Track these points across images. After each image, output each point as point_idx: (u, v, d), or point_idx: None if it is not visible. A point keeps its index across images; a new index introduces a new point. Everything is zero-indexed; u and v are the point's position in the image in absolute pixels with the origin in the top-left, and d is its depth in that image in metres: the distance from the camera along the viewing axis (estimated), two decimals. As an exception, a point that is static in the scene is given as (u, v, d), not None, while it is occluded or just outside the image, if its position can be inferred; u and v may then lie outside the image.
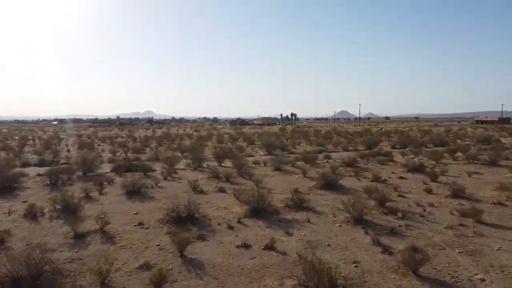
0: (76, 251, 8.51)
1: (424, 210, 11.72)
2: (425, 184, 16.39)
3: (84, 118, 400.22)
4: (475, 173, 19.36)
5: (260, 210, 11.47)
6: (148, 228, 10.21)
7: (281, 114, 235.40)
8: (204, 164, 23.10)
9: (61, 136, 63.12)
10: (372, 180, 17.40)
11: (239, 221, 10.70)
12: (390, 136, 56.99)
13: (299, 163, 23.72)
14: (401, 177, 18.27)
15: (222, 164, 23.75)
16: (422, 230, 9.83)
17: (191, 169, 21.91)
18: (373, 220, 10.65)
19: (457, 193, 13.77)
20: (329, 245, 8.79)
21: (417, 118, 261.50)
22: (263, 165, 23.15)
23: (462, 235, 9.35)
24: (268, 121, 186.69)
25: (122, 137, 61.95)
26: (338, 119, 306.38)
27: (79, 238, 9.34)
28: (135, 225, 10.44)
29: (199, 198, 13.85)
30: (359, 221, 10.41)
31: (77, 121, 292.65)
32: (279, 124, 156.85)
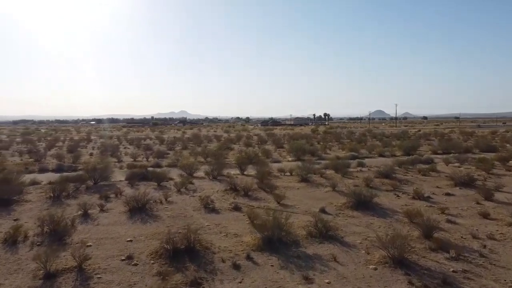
0: (38, 300, 6.81)
1: (484, 246, 9.27)
2: (478, 204, 13.79)
3: (121, 118, 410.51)
4: (538, 189, 16.45)
5: (275, 241, 9.44)
6: (136, 264, 8.38)
7: (314, 114, 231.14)
8: (226, 172, 21.29)
9: (92, 137, 63.45)
10: (413, 197, 14.94)
11: (248, 257, 8.68)
12: (429, 139, 53.30)
13: (328, 172, 21.46)
14: (447, 193, 15.65)
15: (245, 172, 21.87)
16: (485, 280, 7.46)
17: (210, 178, 20.12)
18: (418, 261, 8.34)
19: (523, 219, 11.16)
20: (360, 302, 6.63)
21: (457, 118, 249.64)
22: (288, 174, 21.04)
23: (544, 292, 6.93)
24: (300, 122, 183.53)
25: (150, 138, 61.44)
26: (373, 119, 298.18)
27: (49, 278, 7.64)
28: (123, 259, 8.64)
29: (208, 219, 12.03)
30: (400, 262, 8.14)
31: (113, 121, 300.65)
32: (311, 125, 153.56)
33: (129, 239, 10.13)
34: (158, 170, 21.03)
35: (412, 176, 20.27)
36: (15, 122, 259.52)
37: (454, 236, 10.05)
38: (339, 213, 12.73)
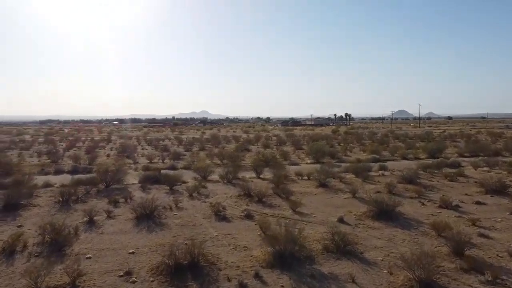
0: (22, 324, 6.20)
1: (524, 267, 8.21)
2: (513, 214, 12.61)
3: (143, 118, 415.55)
4: None
5: (287, 256, 8.61)
6: (135, 281, 7.71)
7: (335, 114, 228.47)
8: (241, 175, 20.55)
9: (112, 138, 63.81)
10: (440, 206, 13.82)
11: (256, 275, 7.89)
12: (455, 140, 51.27)
13: (348, 176, 20.44)
14: (478, 202, 14.45)
15: (261, 176, 21.07)
16: (529, 311, 6.46)
17: (225, 181, 19.41)
18: (448, 285, 7.35)
19: None
20: (381, 337, 5.75)
21: (483, 118, 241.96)
22: (306, 178, 20.11)
23: None
24: (321, 122, 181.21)
25: (169, 139, 61.34)
26: (395, 119, 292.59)
27: (39, 297, 7.06)
28: (121, 276, 7.98)
29: (218, 228, 11.30)
30: (428, 285, 7.20)
31: (136, 121, 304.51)
32: (332, 125, 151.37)
33: (131, 250, 9.48)
34: (171, 173, 20.48)
35: (438, 181, 19.04)
36: (42, 122, 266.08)
37: (488, 254, 9.00)
38: (359, 223, 11.79)
